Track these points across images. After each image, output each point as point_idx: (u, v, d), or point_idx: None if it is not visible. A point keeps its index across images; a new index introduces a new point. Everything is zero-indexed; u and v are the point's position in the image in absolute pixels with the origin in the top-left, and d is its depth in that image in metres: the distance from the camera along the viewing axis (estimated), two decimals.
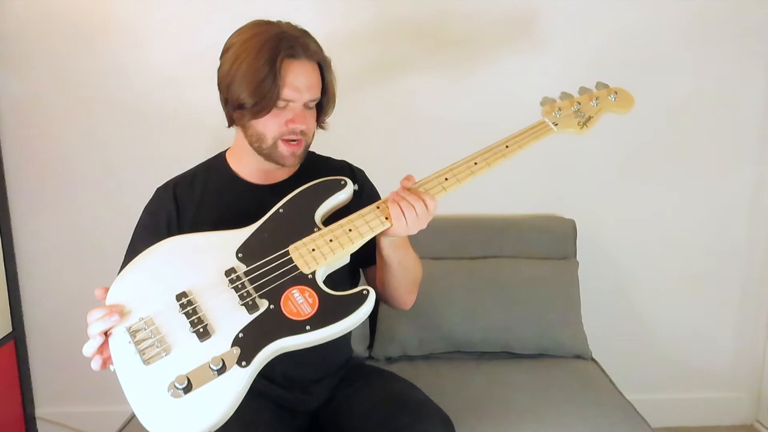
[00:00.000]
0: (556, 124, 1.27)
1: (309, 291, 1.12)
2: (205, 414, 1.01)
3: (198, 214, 1.31)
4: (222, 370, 1.04)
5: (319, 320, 1.09)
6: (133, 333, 1.07)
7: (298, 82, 1.20)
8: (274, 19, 1.26)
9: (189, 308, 1.09)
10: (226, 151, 1.39)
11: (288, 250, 1.15)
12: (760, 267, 2.28)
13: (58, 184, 2.12)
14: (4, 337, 2.10)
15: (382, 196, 1.45)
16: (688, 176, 2.20)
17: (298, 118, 1.22)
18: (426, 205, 1.16)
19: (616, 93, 1.31)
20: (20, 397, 2.19)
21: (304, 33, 1.25)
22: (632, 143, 2.16)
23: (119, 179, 2.11)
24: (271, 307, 1.10)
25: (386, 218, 1.17)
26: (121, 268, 1.34)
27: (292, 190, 1.30)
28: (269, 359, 1.08)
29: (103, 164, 2.11)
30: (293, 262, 1.14)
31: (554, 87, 1.35)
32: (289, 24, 1.25)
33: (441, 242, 2.04)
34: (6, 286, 2.11)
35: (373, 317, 1.97)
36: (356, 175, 1.43)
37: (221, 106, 1.29)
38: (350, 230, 1.16)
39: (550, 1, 2.04)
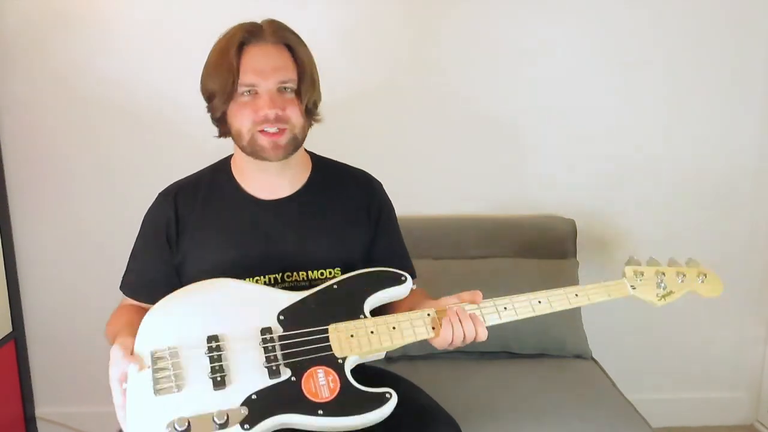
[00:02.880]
0: (634, 288, 1.26)
1: (333, 375, 1.09)
2: None
3: (197, 227, 1.29)
4: (224, 426, 1.01)
5: (333, 408, 1.06)
6: (155, 359, 1.07)
7: (259, 64, 1.17)
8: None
9: (215, 353, 1.09)
10: (231, 157, 1.35)
11: (328, 328, 1.13)
12: (761, 267, 2.27)
13: (58, 185, 2.12)
14: (4, 337, 2.10)
15: (396, 205, 1.43)
16: (688, 176, 2.19)
17: (265, 103, 1.16)
18: (477, 335, 1.14)
19: (705, 276, 1.28)
20: (20, 397, 2.19)
21: (271, 22, 1.22)
22: (632, 143, 2.16)
23: (119, 179, 2.11)
24: (293, 379, 1.08)
25: (433, 328, 1.15)
26: (125, 273, 1.33)
27: (298, 207, 1.29)
28: (272, 430, 1.05)
29: (103, 164, 2.11)
30: (329, 341, 1.12)
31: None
32: (265, 20, 1.23)
33: (441, 242, 2.04)
34: (6, 286, 2.10)
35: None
36: (375, 189, 1.38)
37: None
38: (394, 328, 1.15)
39: None
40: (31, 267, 2.17)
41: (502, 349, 1.92)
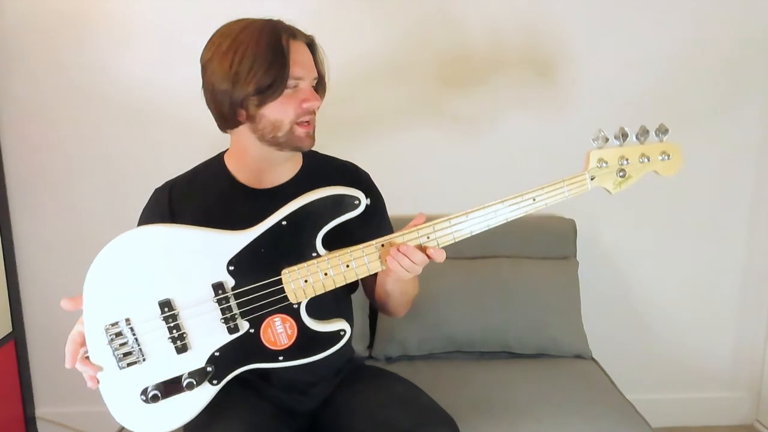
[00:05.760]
0: (593, 178, 1.21)
1: (290, 322, 1.15)
2: (172, 420, 1.14)
3: (195, 219, 1.27)
4: (193, 386, 1.12)
5: (293, 353, 1.16)
6: (111, 335, 1.10)
7: (303, 59, 1.21)
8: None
9: (171, 321, 1.12)
10: (224, 152, 1.36)
11: (281, 278, 1.13)
12: (760, 267, 2.27)
13: (59, 184, 2.12)
14: (4, 337, 2.10)
15: (386, 198, 1.43)
16: (688, 177, 2.19)
17: (311, 95, 1.22)
18: (427, 257, 1.14)
19: (668, 155, 1.23)
20: (20, 397, 2.19)
21: (286, 23, 1.25)
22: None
23: (119, 179, 2.11)
24: (251, 331, 1.14)
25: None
26: None
27: (290, 194, 1.26)
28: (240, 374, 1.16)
29: (104, 164, 2.11)
30: (283, 291, 1.13)
31: None
32: (278, 20, 1.25)
33: None
34: (6, 286, 2.11)
35: (373, 317, 1.97)
36: (363, 179, 1.39)
37: (213, 114, 1.25)
38: (348, 266, 1.13)
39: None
40: (31, 267, 2.17)
41: (502, 349, 1.93)
